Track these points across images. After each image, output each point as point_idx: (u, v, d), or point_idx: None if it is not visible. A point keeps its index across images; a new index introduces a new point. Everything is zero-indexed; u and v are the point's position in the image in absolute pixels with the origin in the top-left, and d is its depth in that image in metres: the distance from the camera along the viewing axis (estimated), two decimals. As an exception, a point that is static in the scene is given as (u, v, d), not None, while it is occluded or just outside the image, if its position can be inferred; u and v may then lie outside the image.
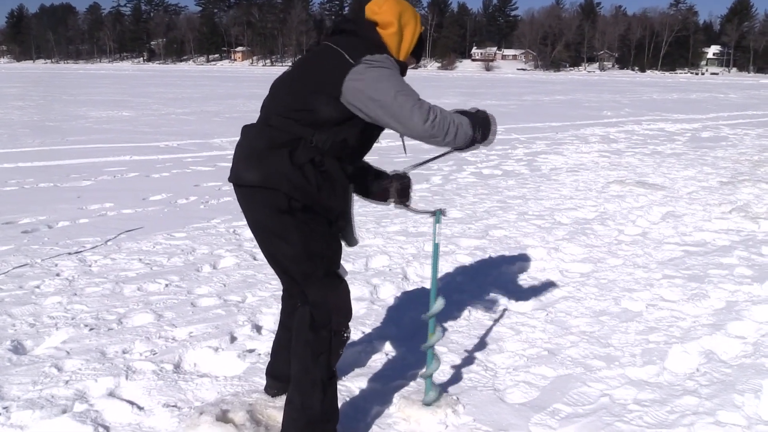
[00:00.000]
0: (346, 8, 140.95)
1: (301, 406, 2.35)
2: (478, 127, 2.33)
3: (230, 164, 2.41)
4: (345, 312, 2.40)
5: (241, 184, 2.31)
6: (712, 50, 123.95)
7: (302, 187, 2.20)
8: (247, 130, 2.40)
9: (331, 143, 2.23)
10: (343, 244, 2.50)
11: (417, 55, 2.47)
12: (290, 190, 2.20)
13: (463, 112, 2.34)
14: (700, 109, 23.25)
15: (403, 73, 2.37)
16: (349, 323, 2.43)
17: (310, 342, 2.33)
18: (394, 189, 2.67)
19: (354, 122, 2.25)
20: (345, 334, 2.41)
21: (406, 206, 2.75)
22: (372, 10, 2.36)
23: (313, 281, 2.33)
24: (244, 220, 2.46)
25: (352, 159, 2.36)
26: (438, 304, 2.69)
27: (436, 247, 2.70)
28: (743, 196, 7.45)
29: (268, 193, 2.22)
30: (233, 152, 2.40)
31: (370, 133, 2.34)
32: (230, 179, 2.37)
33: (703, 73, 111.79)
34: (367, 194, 2.70)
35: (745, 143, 12.95)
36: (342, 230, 2.51)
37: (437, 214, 2.66)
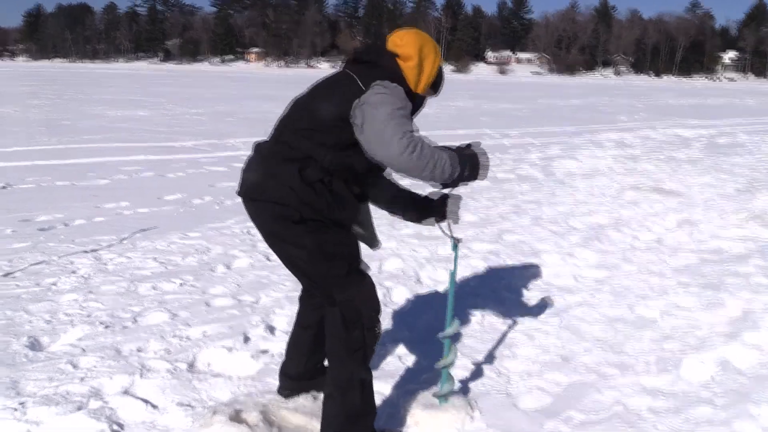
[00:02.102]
0: (361, 10, 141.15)
1: (341, 403, 2.39)
2: (466, 164, 2.34)
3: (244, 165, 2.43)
4: (374, 306, 2.42)
5: (252, 198, 2.35)
6: (729, 55, 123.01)
7: (312, 203, 2.24)
8: (259, 146, 2.43)
9: (339, 165, 2.27)
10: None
11: (435, 86, 2.51)
12: (300, 205, 2.24)
13: (448, 148, 2.33)
14: (717, 114, 23.08)
15: (420, 104, 2.42)
16: (379, 316, 2.45)
17: (344, 340, 2.36)
18: (449, 210, 2.66)
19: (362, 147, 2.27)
20: (377, 329, 2.44)
21: (439, 225, 2.73)
22: (394, 42, 2.40)
23: (337, 282, 2.36)
24: (258, 224, 2.47)
25: (360, 183, 2.38)
26: (454, 326, 2.70)
27: (452, 275, 2.70)
28: (760, 203, 7.37)
29: (278, 206, 2.26)
30: (244, 165, 2.43)
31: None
32: (239, 193, 2.41)
33: (719, 79, 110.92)
34: (405, 214, 2.72)
35: (762, 150, 12.83)
36: (363, 237, 2.54)
37: (455, 244, 2.67)
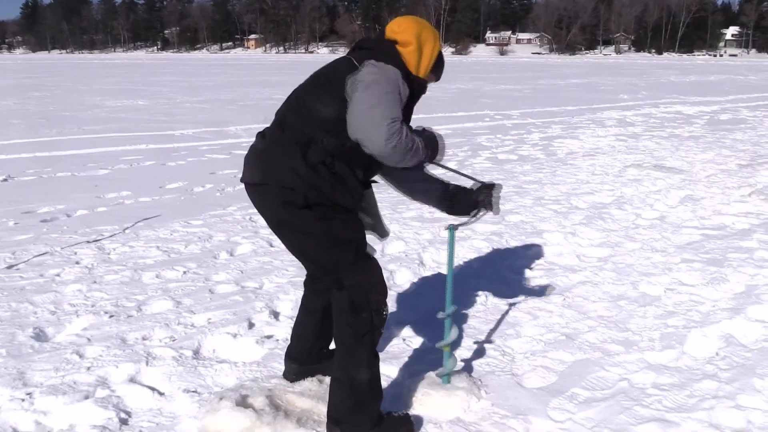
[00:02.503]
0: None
1: (349, 386, 2.40)
2: (428, 148, 2.37)
3: (245, 152, 2.43)
4: (381, 289, 2.43)
5: (256, 182, 2.35)
6: (731, 31, 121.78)
7: (317, 185, 2.24)
8: (261, 134, 2.43)
9: (340, 147, 2.26)
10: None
11: (437, 72, 2.51)
12: (305, 188, 2.24)
13: (415, 133, 2.35)
14: (719, 91, 22.94)
15: (422, 90, 2.43)
16: (386, 299, 2.46)
17: (351, 324, 2.37)
18: (486, 200, 2.58)
19: None
20: (384, 312, 2.45)
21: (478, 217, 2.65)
22: (392, 29, 2.41)
23: (345, 266, 2.36)
24: (260, 208, 2.46)
25: (363, 167, 2.36)
26: (452, 334, 2.72)
27: (450, 266, 2.69)
28: (763, 179, 7.35)
29: (284, 191, 2.25)
30: (247, 152, 2.42)
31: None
32: (243, 179, 2.41)
33: (721, 55, 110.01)
34: (452, 209, 2.63)
35: (764, 125, 12.77)
36: (370, 226, 2.54)
37: (450, 230, 2.64)
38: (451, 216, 2.68)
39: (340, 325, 2.42)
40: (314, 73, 2.44)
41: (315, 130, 2.25)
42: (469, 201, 2.60)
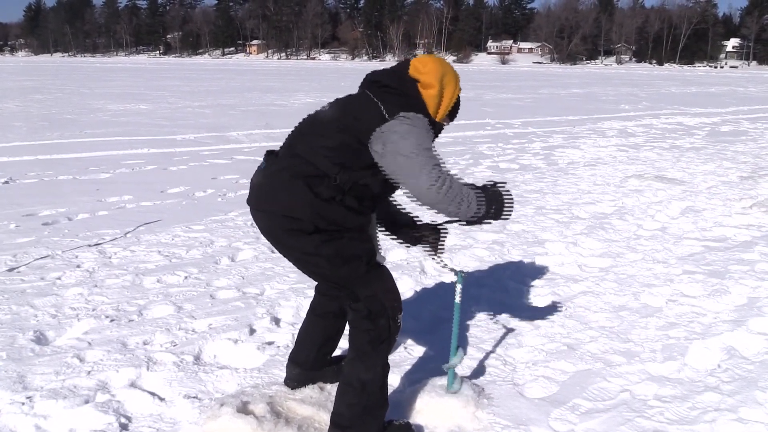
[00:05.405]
0: (361, 2, 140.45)
1: (360, 393, 2.39)
2: (492, 204, 2.36)
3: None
4: (396, 296, 2.44)
5: (262, 209, 2.34)
6: (732, 43, 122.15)
7: (327, 216, 2.24)
8: (271, 157, 2.41)
9: (353, 185, 2.27)
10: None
11: (452, 115, 2.52)
12: (313, 217, 2.23)
13: (475, 186, 2.36)
14: (720, 103, 22.99)
15: (437, 132, 2.43)
16: (401, 306, 2.47)
17: (369, 332, 2.38)
18: (427, 240, 2.78)
19: (378, 170, 2.28)
20: (399, 320, 2.45)
21: (434, 257, 2.82)
22: (416, 67, 2.39)
23: (358, 280, 2.36)
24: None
25: (372, 201, 2.38)
26: (459, 357, 2.73)
27: (457, 306, 2.72)
28: (764, 191, 7.36)
29: (290, 221, 2.25)
30: (254, 174, 2.41)
31: (393, 182, 2.36)
32: (250, 202, 2.40)
33: (722, 67, 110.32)
34: (397, 234, 2.81)
35: (765, 138, 12.79)
36: None
37: (459, 275, 2.68)
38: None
39: (358, 332, 2.41)
40: (333, 106, 2.40)
41: (331, 166, 2.24)
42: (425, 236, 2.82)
